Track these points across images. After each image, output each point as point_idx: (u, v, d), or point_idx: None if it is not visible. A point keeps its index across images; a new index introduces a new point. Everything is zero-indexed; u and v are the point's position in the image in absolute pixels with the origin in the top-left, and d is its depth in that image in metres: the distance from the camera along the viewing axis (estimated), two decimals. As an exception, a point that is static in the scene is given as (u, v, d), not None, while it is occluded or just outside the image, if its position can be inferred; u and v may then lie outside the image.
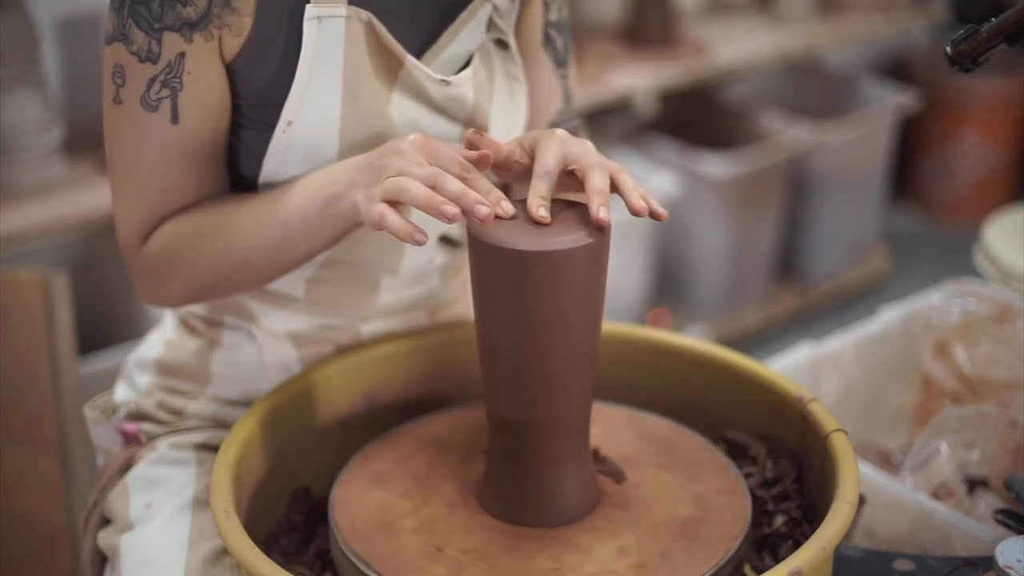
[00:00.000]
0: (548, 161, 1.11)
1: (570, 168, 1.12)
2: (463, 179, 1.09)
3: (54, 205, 2.24)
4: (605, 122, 3.23)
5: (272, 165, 1.23)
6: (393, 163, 1.10)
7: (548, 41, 1.38)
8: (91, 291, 2.50)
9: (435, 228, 1.31)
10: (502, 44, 1.33)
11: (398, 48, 1.23)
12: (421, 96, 1.26)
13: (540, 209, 1.09)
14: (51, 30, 2.46)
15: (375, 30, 1.21)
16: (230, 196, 1.26)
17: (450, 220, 1.05)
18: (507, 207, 1.09)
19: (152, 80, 1.18)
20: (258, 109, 1.22)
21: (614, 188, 1.12)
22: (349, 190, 1.13)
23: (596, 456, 1.23)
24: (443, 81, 1.25)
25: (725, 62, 3.17)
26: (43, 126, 2.30)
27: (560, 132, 1.14)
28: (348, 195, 1.13)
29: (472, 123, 1.29)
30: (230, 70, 1.21)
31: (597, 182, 1.10)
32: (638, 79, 3.01)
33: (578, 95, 1.47)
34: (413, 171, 1.08)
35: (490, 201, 1.08)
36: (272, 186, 1.25)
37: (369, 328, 1.38)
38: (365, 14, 1.21)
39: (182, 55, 1.17)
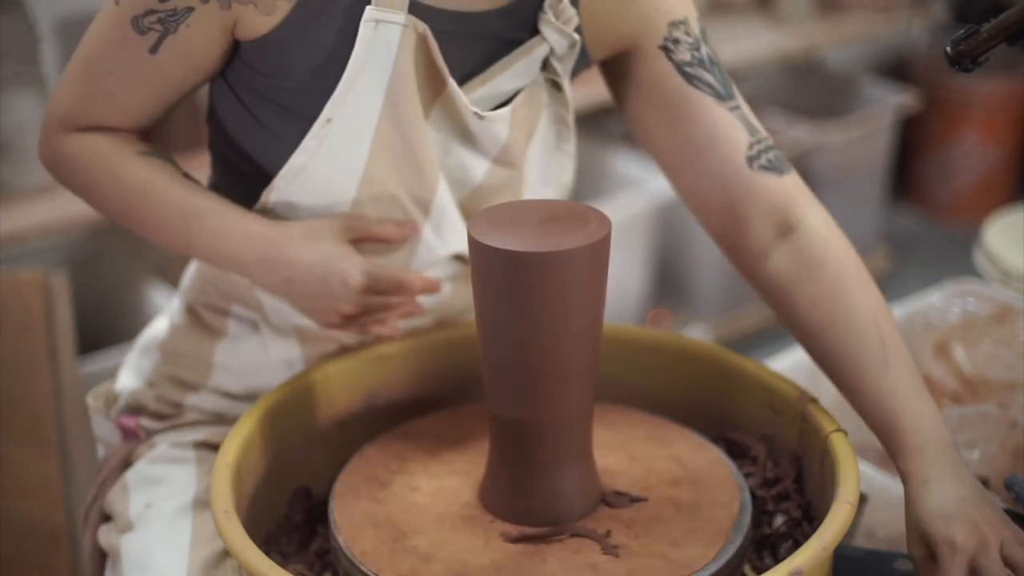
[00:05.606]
0: None
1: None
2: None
3: (54, 205, 2.25)
4: (605, 122, 3.23)
5: (300, 160, 1.23)
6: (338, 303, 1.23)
7: (691, 79, 1.34)
8: (91, 291, 2.50)
9: (454, 244, 1.33)
10: (556, 86, 1.32)
11: (444, 68, 1.22)
12: (455, 122, 1.26)
13: None
14: (51, 30, 2.46)
15: (427, 45, 1.21)
16: (151, 167, 1.27)
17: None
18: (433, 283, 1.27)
19: (152, 11, 1.18)
20: (298, 94, 1.22)
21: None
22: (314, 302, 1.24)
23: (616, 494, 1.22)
24: (476, 114, 1.25)
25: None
26: (43, 126, 2.30)
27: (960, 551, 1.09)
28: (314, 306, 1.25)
29: (503, 159, 1.29)
30: (252, 45, 1.20)
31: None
32: (638, 79, 3.00)
33: (578, 95, 1.46)
34: (343, 309, 1.24)
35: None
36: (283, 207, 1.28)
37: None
38: (422, 26, 1.20)
39: (190, 9, 1.18)
